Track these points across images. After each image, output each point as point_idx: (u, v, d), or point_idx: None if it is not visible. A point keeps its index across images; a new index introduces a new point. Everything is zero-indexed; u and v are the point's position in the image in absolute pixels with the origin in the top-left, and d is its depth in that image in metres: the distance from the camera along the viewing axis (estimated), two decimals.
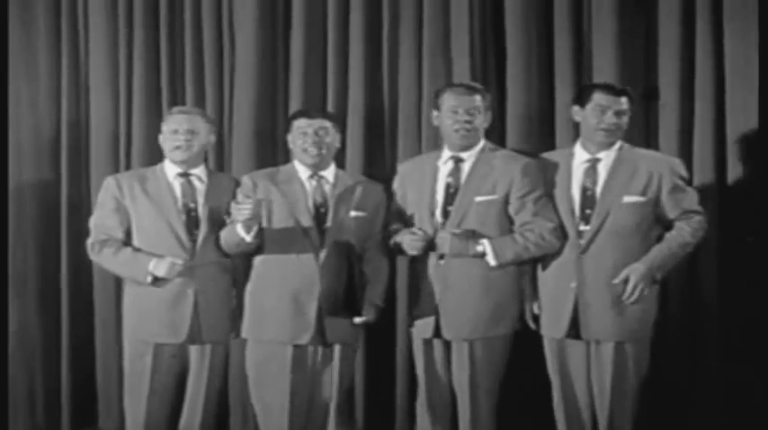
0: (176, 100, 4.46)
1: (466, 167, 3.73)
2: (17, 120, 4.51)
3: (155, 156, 4.39)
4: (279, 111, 4.40)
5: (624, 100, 3.64)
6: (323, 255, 3.66)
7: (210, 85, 4.44)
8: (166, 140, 3.81)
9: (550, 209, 3.66)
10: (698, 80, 4.01)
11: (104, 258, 3.78)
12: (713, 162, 3.97)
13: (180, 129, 3.77)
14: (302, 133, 3.74)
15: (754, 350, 3.89)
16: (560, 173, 3.70)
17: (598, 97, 3.64)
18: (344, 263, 3.64)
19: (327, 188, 3.76)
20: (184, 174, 3.80)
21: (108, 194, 3.80)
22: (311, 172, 3.76)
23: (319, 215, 3.72)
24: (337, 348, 3.74)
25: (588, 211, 3.63)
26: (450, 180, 3.73)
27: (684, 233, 3.60)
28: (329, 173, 3.79)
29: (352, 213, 3.73)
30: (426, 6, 4.23)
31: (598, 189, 3.64)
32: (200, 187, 3.81)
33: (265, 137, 4.38)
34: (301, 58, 4.34)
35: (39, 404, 4.53)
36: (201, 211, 3.77)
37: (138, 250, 3.73)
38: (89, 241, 3.81)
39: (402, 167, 3.93)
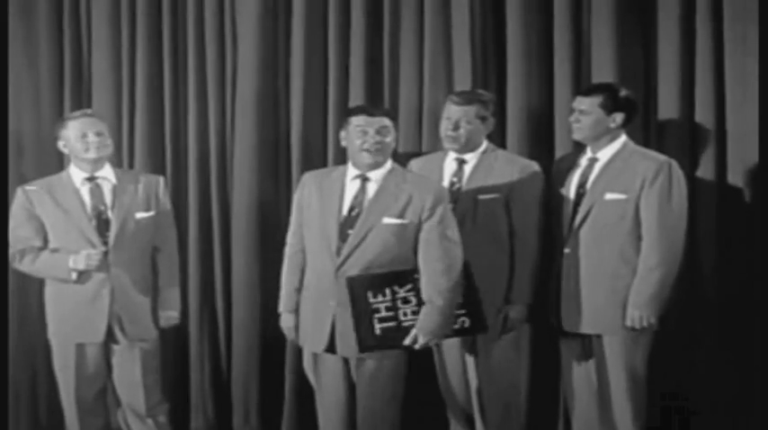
0: (179, 98, 4.49)
1: (468, 169, 3.84)
2: (19, 117, 4.51)
3: (157, 152, 4.47)
4: (281, 111, 4.42)
5: (590, 99, 3.71)
6: (338, 262, 3.50)
7: (213, 85, 4.45)
8: (75, 144, 3.82)
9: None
10: (698, 80, 4.01)
11: (26, 266, 3.84)
12: (713, 162, 3.98)
13: (89, 132, 3.82)
14: (361, 132, 3.53)
15: (754, 348, 3.91)
16: (567, 172, 3.82)
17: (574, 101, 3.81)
18: (351, 298, 3.47)
19: (370, 190, 3.56)
20: (91, 178, 3.84)
21: (19, 206, 3.86)
22: (358, 172, 3.58)
23: (350, 218, 3.54)
24: (367, 362, 3.57)
25: (578, 208, 3.72)
26: (454, 179, 3.84)
27: (652, 257, 3.61)
28: (378, 173, 3.56)
29: (386, 220, 3.50)
30: (427, 8, 4.23)
31: (588, 186, 3.72)
32: (107, 188, 3.85)
33: (267, 136, 4.40)
34: (302, 60, 4.35)
35: (41, 402, 4.56)
36: (112, 213, 3.81)
37: (55, 251, 3.79)
38: (10, 252, 3.85)
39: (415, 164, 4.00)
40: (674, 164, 3.69)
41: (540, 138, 4.13)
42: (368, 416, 3.59)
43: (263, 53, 4.38)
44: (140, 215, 3.85)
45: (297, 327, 3.66)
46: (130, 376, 3.84)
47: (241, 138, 4.40)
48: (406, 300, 3.48)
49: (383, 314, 3.47)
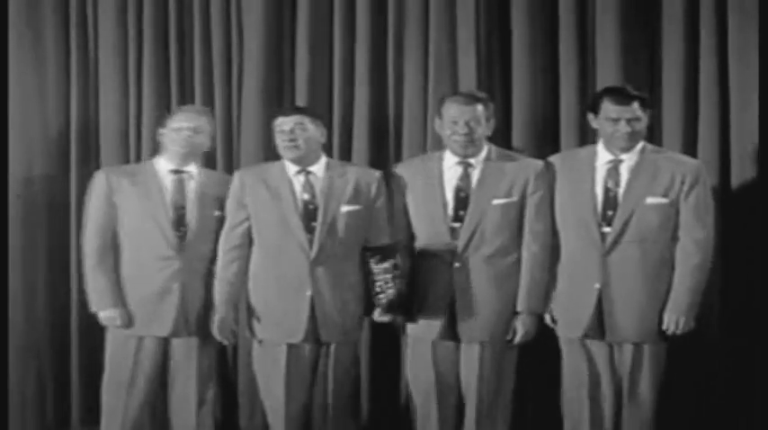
0: (185, 97, 4.49)
1: (476, 173, 3.73)
2: (26, 116, 4.50)
3: None
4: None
5: (636, 106, 3.58)
6: (312, 254, 3.66)
7: (219, 84, 4.46)
8: (168, 134, 3.85)
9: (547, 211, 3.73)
10: (702, 82, 4.03)
11: (87, 257, 3.82)
12: (717, 163, 4.00)
13: (184, 126, 3.83)
14: (280, 131, 3.75)
15: (759, 350, 3.91)
16: (583, 172, 3.68)
17: (607, 107, 3.60)
18: (366, 266, 3.66)
19: (317, 183, 3.75)
20: (177, 172, 3.84)
21: (98, 190, 3.84)
22: (298, 167, 3.76)
23: (308, 212, 3.71)
24: (333, 347, 3.75)
25: (610, 213, 3.60)
26: (460, 184, 3.73)
27: (695, 259, 3.58)
28: (318, 167, 3.77)
29: (344, 208, 3.71)
30: (432, 8, 4.25)
31: (620, 190, 3.61)
32: (191, 185, 3.85)
33: (272, 135, 4.40)
34: (307, 59, 4.36)
35: (48, 403, 4.54)
36: (191, 209, 3.82)
37: (114, 287, 3.78)
38: (87, 234, 3.83)
39: (400, 170, 3.88)
40: (701, 164, 3.71)
41: (546, 141, 4.13)
42: (338, 403, 3.79)
43: (269, 51, 4.39)
44: (217, 213, 3.84)
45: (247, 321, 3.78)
46: (186, 371, 3.84)
47: (246, 136, 4.41)
48: (393, 272, 3.66)
49: (385, 283, 3.66)
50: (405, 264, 3.66)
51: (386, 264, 3.64)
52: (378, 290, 3.65)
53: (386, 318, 3.72)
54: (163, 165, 3.87)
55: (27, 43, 4.53)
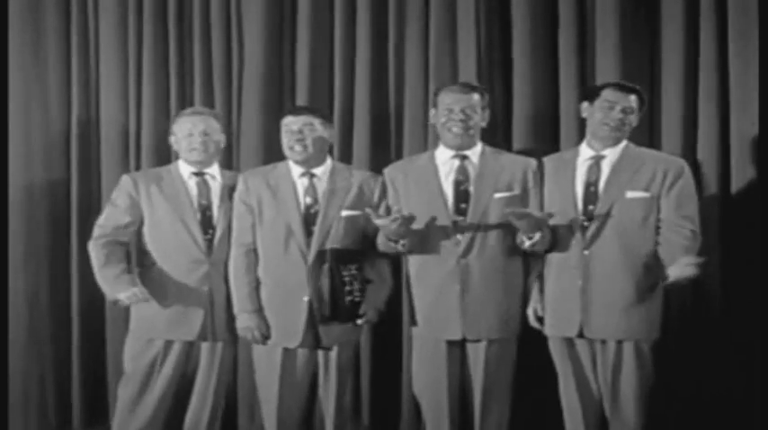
0: (185, 98, 4.50)
1: (474, 166, 3.71)
2: (27, 119, 4.52)
3: (164, 154, 4.43)
4: (286, 110, 4.43)
5: (633, 98, 3.63)
6: (310, 258, 3.65)
7: (219, 84, 4.47)
8: (181, 142, 3.83)
9: None
10: (702, 81, 4.03)
11: (94, 252, 3.77)
12: (717, 163, 4.00)
13: (195, 131, 3.80)
14: (288, 131, 3.71)
15: (758, 354, 3.89)
16: (565, 170, 3.69)
17: (606, 93, 3.64)
18: (330, 269, 3.62)
19: (320, 186, 3.72)
20: (199, 174, 3.83)
21: (123, 192, 3.82)
22: (303, 170, 3.73)
23: (309, 215, 3.69)
24: (334, 349, 3.73)
25: (591, 207, 3.60)
26: (459, 177, 3.70)
27: (685, 240, 3.55)
28: (322, 170, 3.75)
29: (345, 213, 3.69)
30: (432, 8, 4.26)
31: (601, 185, 3.62)
32: (214, 186, 3.84)
33: (273, 136, 4.35)
34: (307, 59, 4.37)
35: (50, 402, 4.55)
36: (216, 210, 3.81)
37: (123, 273, 3.73)
38: (95, 231, 3.80)
39: (390, 173, 3.82)
40: (684, 163, 3.70)
41: (547, 137, 4.13)
42: (341, 403, 3.78)
43: (269, 51, 4.40)
44: None
45: (265, 326, 3.72)
46: (209, 376, 3.82)
47: (247, 138, 4.41)
48: (355, 278, 3.65)
49: (348, 287, 3.64)
50: (366, 272, 3.68)
51: (352, 270, 3.63)
52: (344, 293, 3.62)
53: (353, 322, 3.69)
54: (185, 168, 3.85)
55: (27, 45, 4.54)
